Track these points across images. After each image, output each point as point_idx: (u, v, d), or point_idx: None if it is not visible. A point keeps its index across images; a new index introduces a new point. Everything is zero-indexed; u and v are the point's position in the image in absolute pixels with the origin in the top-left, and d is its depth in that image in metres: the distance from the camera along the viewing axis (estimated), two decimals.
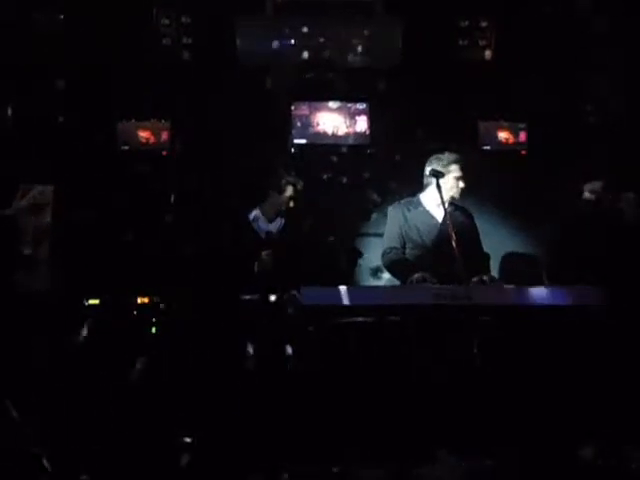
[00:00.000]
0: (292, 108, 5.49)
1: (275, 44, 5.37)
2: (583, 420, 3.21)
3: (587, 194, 4.60)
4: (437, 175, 3.77)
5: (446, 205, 3.72)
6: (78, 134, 5.22)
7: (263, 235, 4.52)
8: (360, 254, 5.10)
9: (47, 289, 4.44)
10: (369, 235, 5.41)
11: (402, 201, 4.16)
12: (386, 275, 4.56)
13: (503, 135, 5.54)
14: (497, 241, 4.88)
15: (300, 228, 4.79)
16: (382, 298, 3.39)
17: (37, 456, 2.96)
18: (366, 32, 5.38)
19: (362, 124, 5.52)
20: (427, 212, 4.04)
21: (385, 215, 4.21)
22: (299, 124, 5.50)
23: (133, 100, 5.36)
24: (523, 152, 5.52)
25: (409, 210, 4.05)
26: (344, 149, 5.55)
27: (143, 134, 5.39)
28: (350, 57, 5.42)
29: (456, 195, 4.01)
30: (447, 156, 4.01)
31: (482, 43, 5.36)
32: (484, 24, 5.35)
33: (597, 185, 4.57)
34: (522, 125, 5.52)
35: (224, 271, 4.20)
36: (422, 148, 4.65)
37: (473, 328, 3.24)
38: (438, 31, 5.37)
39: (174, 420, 3.40)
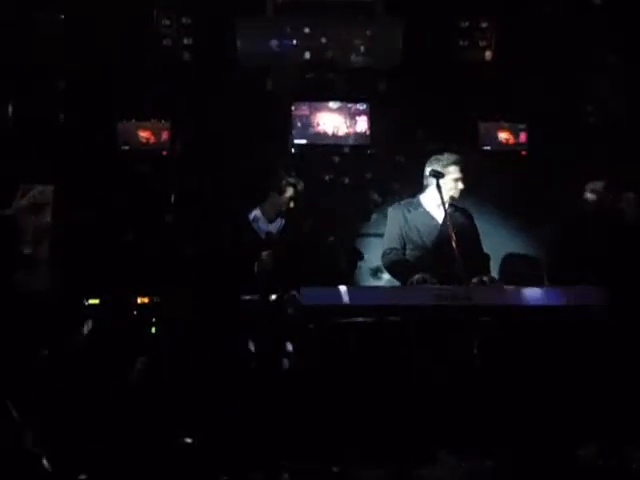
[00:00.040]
0: (292, 108, 5.48)
1: (275, 45, 5.36)
2: (584, 420, 3.21)
3: (588, 194, 4.59)
4: (437, 176, 3.76)
5: (446, 206, 3.72)
6: (78, 134, 5.22)
7: (263, 235, 4.52)
8: (360, 255, 5.09)
9: (47, 289, 4.44)
10: (369, 235, 5.41)
11: (402, 202, 4.16)
12: (386, 275, 4.56)
13: (503, 136, 5.53)
14: (497, 242, 4.89)
15: (300, 228, 4.79)
16: (382, 298, 3.40)
17: (37, 456, 2.96)
18: (368, 32, 5.37)
19: (362, 124, 5.52)
20: (427, 213, 4.04)
21: (385, 216, 4.21)
22: (299, 124, 5.50)
23: (133, 100, 5.35)
24: (523, 153, 5.51)
25: (409, 211, 4.05)
26: (344, 149, 5.54)
27: (143, 134, 5.39)
28: (353, 57, 5.41)
29: (455, 196, 4.00)
30: (446, 157, 4.00)
31: (482, 44, 5.35)
32: (484, 25, 5.34)
33: (599, 185, 4.57)
34: (522, 126, 5.51)
35: (224, 271, 4.20)
36: (422, 148, 4.66)
37: (473, 329, 3.24)
38: (438, 32, 5.36)
39: (174, 420, 3.40)
